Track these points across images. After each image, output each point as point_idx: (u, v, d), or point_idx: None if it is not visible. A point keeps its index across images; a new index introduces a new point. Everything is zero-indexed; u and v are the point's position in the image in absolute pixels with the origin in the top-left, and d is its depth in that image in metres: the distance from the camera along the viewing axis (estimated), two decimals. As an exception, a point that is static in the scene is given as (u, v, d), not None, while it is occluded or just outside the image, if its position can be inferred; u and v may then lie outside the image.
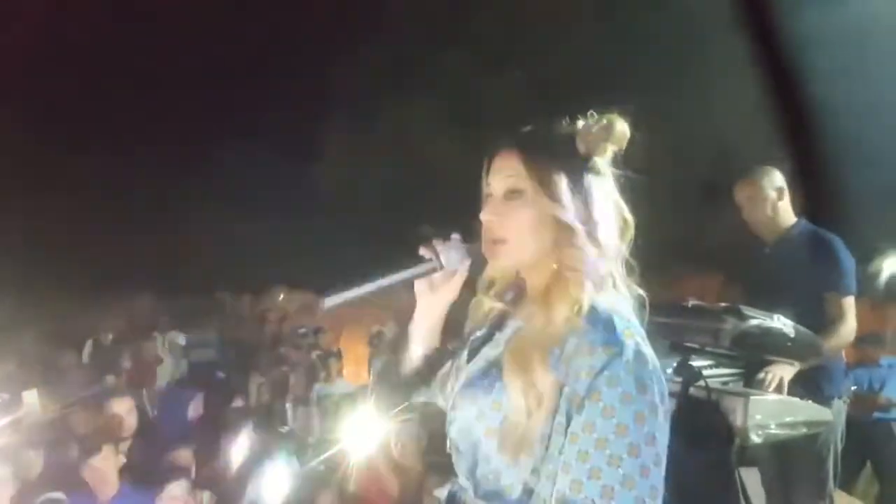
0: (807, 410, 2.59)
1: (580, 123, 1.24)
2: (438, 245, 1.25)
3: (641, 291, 1.21)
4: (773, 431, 2.49)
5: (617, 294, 1.18)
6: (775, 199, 3.08)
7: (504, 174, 1.22)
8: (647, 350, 1.09)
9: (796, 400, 2.61)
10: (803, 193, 3.34)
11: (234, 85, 9.68)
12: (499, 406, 1.13)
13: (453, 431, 1.23)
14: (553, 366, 1.09)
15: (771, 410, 2.49)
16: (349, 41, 8.89)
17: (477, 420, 1.16)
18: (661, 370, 1.09)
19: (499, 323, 1.28)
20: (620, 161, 1.25)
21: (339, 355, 6.89)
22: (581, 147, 1.21)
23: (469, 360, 1.26)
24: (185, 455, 3.74)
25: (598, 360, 1.05)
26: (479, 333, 1.30)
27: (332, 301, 1.22)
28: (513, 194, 1.20)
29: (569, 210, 1.16)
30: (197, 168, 9.59)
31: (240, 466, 3.48)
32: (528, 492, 1.11)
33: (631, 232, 1.23)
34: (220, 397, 5.14)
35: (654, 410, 1.04)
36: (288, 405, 4.59)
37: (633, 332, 1.10)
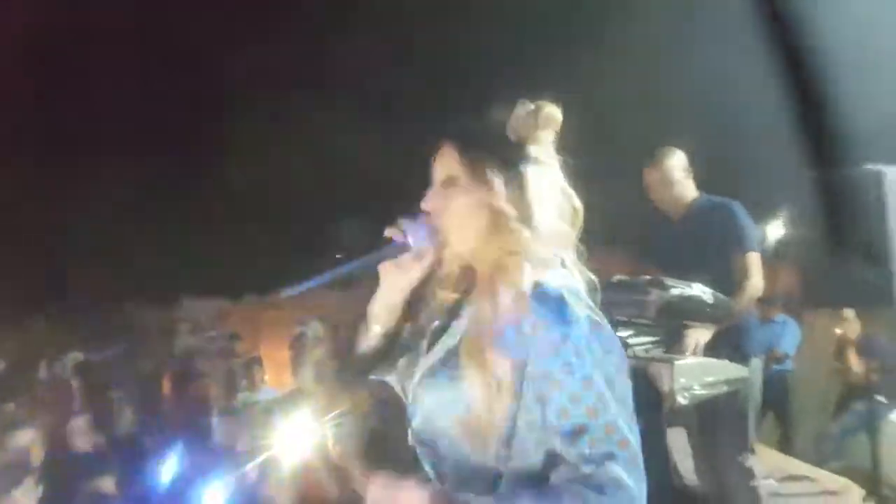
0: (725, 369, 2.76)
1: (511, 111, 1.26)
2: (406, 224, 1.25)
3: (592, 275, 1.25)
4: (697, 392, 2.64)
5: (566, 273, 1.22)
6: (681, 178, 3.28)
7: (441, 164, 1.26)
8: (600, 317, 1.15)
9: (715, 360, 2.78)
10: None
11: (129, 86, 9.19)
12: (461, 395, 1.14)
13: (416, 423, 1.23)
14: (512, 347, 1.11)
15: (693, 373, 2.64)
16: (253, 35, 8.62)
17: (440, 410, 1.18)
18: (610, 328, 1.16)
19: (455, 312, 1.30)
20: (559, 147, 1.28)
21: (259, 362, 6.71)
22: (512, 135, 1.24)
23: (428, 351, 1.27)
24: (107, 483, 3.57)
25: (558, 335, 1.09)
26: (436, 323, 1.32)
27: (296, 289, 1.22)
28: (449, 183, 1.24)
29: (501, 196, 1.19)
30: (91, 174, 9.07)
31: (169, 489, 3.36)
32: (497, 476, 1.13)
33: (580, 218, 1.27)
34: (136, 417, 4.92)
35: (621, 370, 1.12)
36: (214, 419, 4.45)
37: (584, 305, 1.15)
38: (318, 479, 3.47)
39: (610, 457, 1.04)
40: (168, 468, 3.55)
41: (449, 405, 1.16)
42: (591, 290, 1.22)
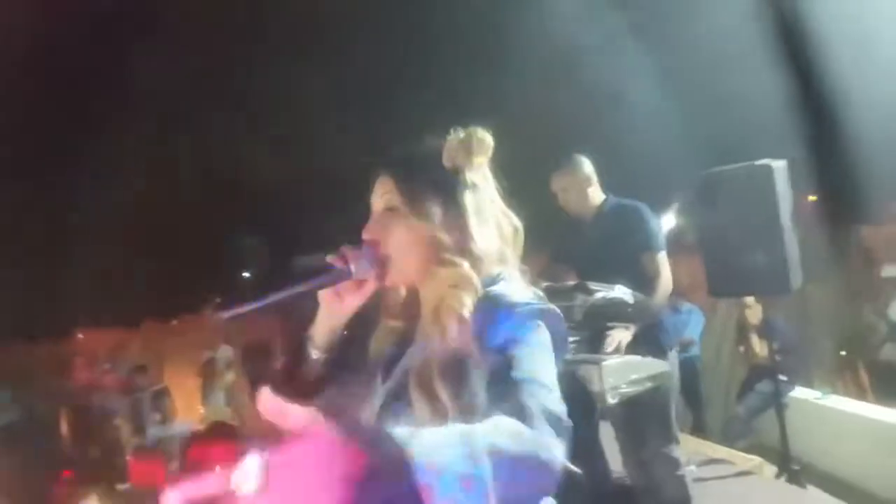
0: (649, 366, 2.85)
1: (444, 139, 1.27)
2: (349, 253, 1.22)
3: (538, 290, 1.24)
4: (624, 391, 2.72)
5: (511, 285, 1.21)
6: (587, 184, 3.35)
7: (379, 193, 1.26)
8: (544, 306, 1.16)
9: (638, 358, 2.86)
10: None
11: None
12: (419, 419, 1.12)
13: None
14: (453, 377, 1.11)
15: (620, 372, 2.71)
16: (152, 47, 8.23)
17: None
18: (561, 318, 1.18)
19: (406, 341, 1.28)
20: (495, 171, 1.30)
21: (167, 393, 6.42)
22: (448, 162, 1.25)
23: (385, 379, 1.25)
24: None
25: (507, 329, 1.10)
26: (390, 350, 1.29)
27: (232, 313, 1.17)
28: (388, 212, 1.24)
29: (438, 226, 1.20)
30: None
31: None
32: None
33: (521, 238, 1.29)
34: (38, 463, 4.59)
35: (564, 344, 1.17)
36: (128, 458, 4.20)
37: (530, 300, 1.15)
38: None
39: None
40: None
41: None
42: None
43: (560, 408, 1.04)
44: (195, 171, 9.66)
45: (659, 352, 3.11)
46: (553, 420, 1.00)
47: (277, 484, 0.80)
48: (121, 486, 4.28)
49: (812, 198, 7.53)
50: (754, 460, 4.55)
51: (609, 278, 2.76)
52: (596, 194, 3.38)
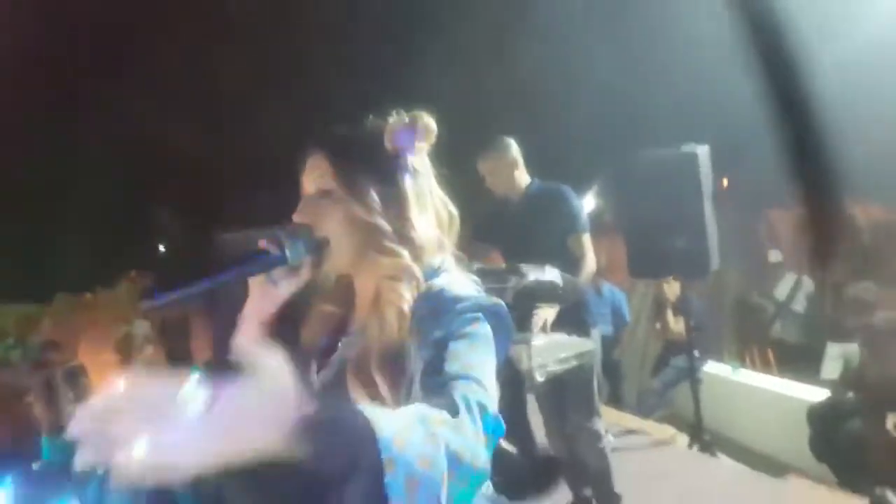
0: (575, 345, 2.96)
1: (386, 121, 1.23)
2: (283, 237, 1.17)
3: (474, 277, 1.23)
4: (551, 369, 2.81)
5: (451, 276, 1.19)
6: (514, 167, 3.39)
7: (313, 175, 1.20)
8: (487, 301, 1.11)
9: (565, 336, 2.96)
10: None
11: None
12: None
13: None
14: (395, 368, 1.08)
15: (548, 351, 2.80)
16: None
17: None
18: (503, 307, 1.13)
19: (340, 328, 1.26)
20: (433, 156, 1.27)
21: (83, 370, 6.16)
22: (389, 145, 1.21)
23: (320, 369, 1.23)
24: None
25: (447, 322, 1.06)
26: (324, 340, 1.27)
27: (162, 300, 1.09)
28: (322, 194, 1.19)
29: (376, 211, 1.16)
30: None
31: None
32: None
33: (457, 225, 1.26)
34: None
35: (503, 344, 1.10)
36: (43, 439, 4.02)
37: (472, 295, 1.12)
38: (168, 489, 3.28)
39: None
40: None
41: None
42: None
43: (493, 405, 0.98)
44: (108, 141, 9.20)
45: (583, 330, 3.22)
46: (485, 417, 0.94)
47: (220, 412, 0.72)
48: (35, 465, 4.09)
49: (725, 181, 7.84)
50: (669, 431, 4.80)
51: (534, 259, 2.82)
52: (522, 177, 3.42)
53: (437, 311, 1.08)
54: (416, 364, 1.07)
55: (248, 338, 1.19)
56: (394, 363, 1.09)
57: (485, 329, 1.06)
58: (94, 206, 9.82)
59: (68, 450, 3.85)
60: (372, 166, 1.18)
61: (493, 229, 3.47)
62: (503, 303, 1.14)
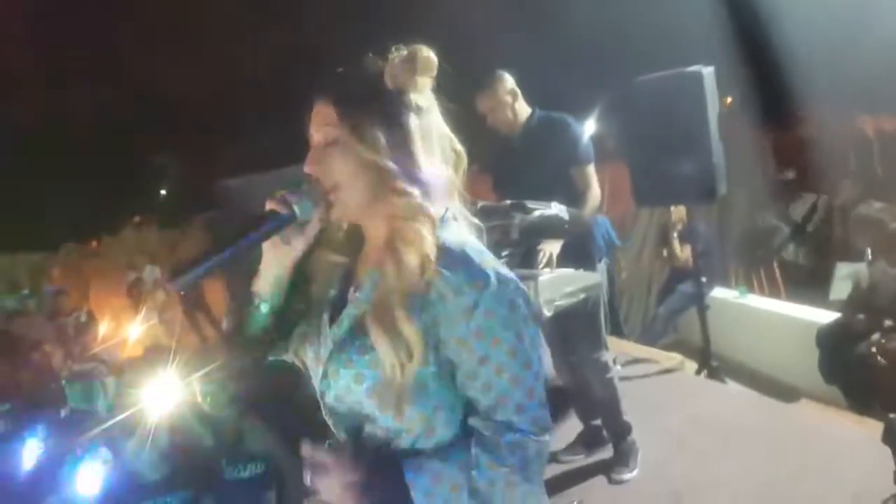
0: (580, 279, 2.94)
1: (385, 59, 1.18)
2: (290, 196, 1.15)
3: (477, 221, 1.23)
4: (559, 303, 2.80)
5: (459, 226, 1.19)
6: (512, 101, 3.30)
7: (319, 123, 1.17)
8: (505, 270, 1.13)
9: (570, 271, 2.94)
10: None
11: None
12: (375, 364, 1.11)
13: (330, 398, 1.20)
14: (416, 315, 1.09)
15: (554, 286, 2.79)
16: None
17: (356, 382, 1.14)
18: (517, 281, 1.14)
19: (349, 279, 1.25)
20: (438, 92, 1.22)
21: (93, 317, 6.23)
22: (389, 82, 1.17)
23: (331, 324, 1.21)
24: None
25: (469, 299, 1.07)
26: (333, 292, 1.26)
27: (183, 281, 1.10)
28: (330, 143, 1.16)
29: (384, 152, 1.13)
30: None
31: (33, 471, 3.09)
32: (416, 439, 1.13)
33: (463, 163, 1.23)
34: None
35: (526, 321, 1.11)
36: (63, 384, 4.09)
37: (489, 259, 1.13)
38: (192, 432, 3.34)
39: (530, 423, 1.09)
40: (27, 450, 3.23)
41: (365, 376, 1.14)
42: (479, 235, 1.21)
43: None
44: (108, 86, 9.03)
45: (590, 263, 3.21)
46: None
47: None
48: (63, 412, 4.17)
49: (728, 100, 7.69)
50: (676, 358, 4.83)
51: (538, 192, 2.78)
52: (522, 109, 3.34)
53: (456, 289, 1.07)
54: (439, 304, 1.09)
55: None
56: (419, 306, 1.09)
57: (503, 316, 1.09)
58: (94, 152, 9.74)
59: (89, 395, 3.94)
60: (376, 107, 1.14)
61: (497, 164, 3.41)
62: (509, 273, 1.13)
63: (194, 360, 3.46)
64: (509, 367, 1.09)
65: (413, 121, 1.16)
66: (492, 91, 3.29)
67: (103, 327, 6.32)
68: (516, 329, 1.09)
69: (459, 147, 1.23)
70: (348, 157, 1.14)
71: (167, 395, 3.37)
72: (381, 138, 1.13)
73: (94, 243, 10.16)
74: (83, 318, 6.47)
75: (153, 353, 4.16)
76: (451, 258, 1.10)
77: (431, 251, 1.10)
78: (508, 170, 3.33)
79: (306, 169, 1.18)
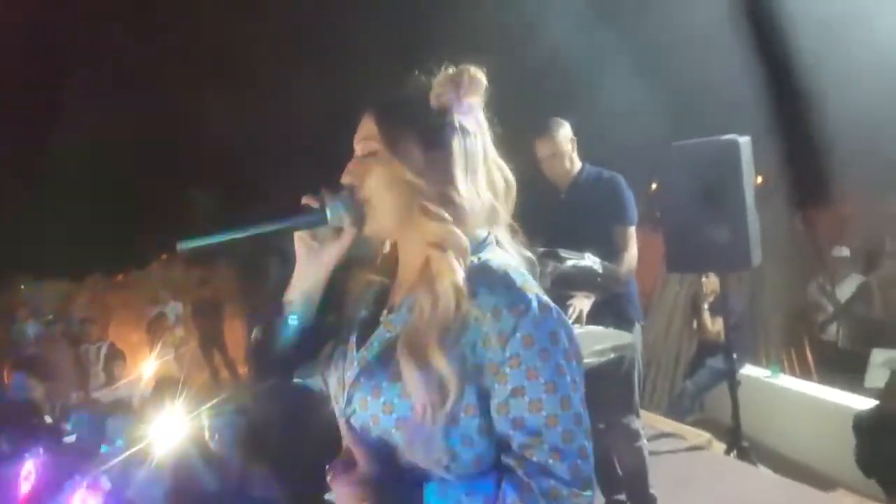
0: (612, 337, 2.83)
1: (432, 77, 1.15)
2: (326, 196, 1.12)
3: (529, 254, 1.16)
4: (588, 361, 2.68)
5: (504, 251, 1.13)
6: (570, 151, 3.27)
7: (361, 135, 1.15)
8: (547, 298, 1.06)
9: (602, 328, 2.84)
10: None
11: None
12: (407, 393, 1.04)
13: (356, 427, 1.11)
14: (452, 347, 1.02)
15: (584, 342, 2.66)
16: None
17: (384, 412, 1.07)
18: (560, 311, 1.07)
19: (383, 300, 1.19)
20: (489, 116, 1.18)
21: (115, 348, 6.23)
22: (434, 101, 1.13)
23: (359, 346, 1.14)
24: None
25: (508, 324, 1.00)
26: (363, 314, 1.19)
27: (194, 244, 1.07)
28: (368, 155, 1.14)
29: (418, 171, 1.09)
30: None
31: (29, 494, 3.01)
32: (440, 479, 1.04)
33: (513, 193, 1.18)
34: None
35: (567, 356, 1.03)
36: (72, 411, 4.05)
37: (531, 285, 1.06)
38: (195, 470, 3.25)
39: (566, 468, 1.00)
40: (24, 471, 3.17)
41: (396, 405, 1.06)
42: (530, 269, 1.14)
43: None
44: (144, 123, 9.27)
45: (626, 323, 3.10)
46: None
47: None
48: (68, 439, 4.11)
49: (759, 179, 7.66)
50: (704, 436, 4.62)
51: (577, 246, 2.71)
52: (576, 160, 3.31)
53: (495, 313, 1.01)
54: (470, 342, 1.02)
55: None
56: (455, 336, 1.02)
57: (541, 347, 1.01)
58: (127, 186, 9.93)
59: (92, 425, 3.87)
60: (417, 125, 1.11)
61: (539, 213, 3.34)
62: (553, 304, 1.06)
63: (203, 394, 3.40)
64: (546, 405, 1.00)
65: (456, 142, 1.11)
66: (553, 138, 3.25)
67: (123, 361, 6.30)
68: (556, 363, 1.01)
69: (511, 177, 1.18)
70: (382, 171, 1.11)
71: (174, 430, 3.30)
72: (418, 157, 1.10)
73: (120, 276, 10.27)
74: (104, 350, 6.46)
75: (163, 387, 4.10)
76: (492, 279, 1.04)
77: (462, 281, 1.04)
78: (549, 219, 3.26)
79: (342, 179, 1.16)
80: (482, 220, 1.13)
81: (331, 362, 1.20)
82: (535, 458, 1.00)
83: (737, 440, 4.21)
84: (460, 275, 1.04)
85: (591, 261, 2.56)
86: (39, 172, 9.18)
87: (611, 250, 3.10)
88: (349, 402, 1.12)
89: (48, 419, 3.98)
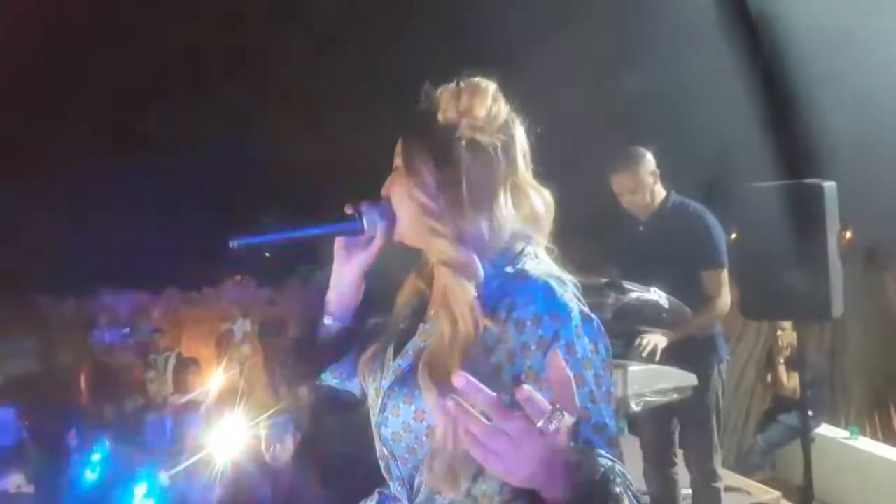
0: (675, 377, 2.75)
1: (440, 91, 1.13)
2: (364, 205, 1.14)
3: (573, 278, 1.10)
4: (648, 399, 2.61)
5: (542, 262, 1.10)
6: (653, 183, 3.06)
7: (396, 150, 1.17)
8: (587, 309, 1.05)
9: (665, 367, 2.75)
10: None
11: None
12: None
13: (387, 434, 1.10)
14: (479, 361, 1.00)
15: (646, 379, 2.61)
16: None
17: (416, 420, 1.06)
18: (599, 322, 1.05)
19: (422, 311, 1.18)
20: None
21: (183, 359, 6.42)
22: (441, 117, 1.10)
23: (396, 354, 1.14)
24: (15, 480, 3.34)
25: (548, 330, 0.99)
26: (405, 323, 1.19)
27: (243, 242, 1.12)
28: (396, 169, 1.16)
29: (427, 188, 1.08)
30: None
31: (95, 488, 3.14)
32: (468, 492, 1.03)
33: (550, 214, 1.14)
34: (51, 413, 4.60)
35: (606, 366, 1.01)
36: (146, 416, 4.22)
37: (572, 293, 1.05)
38: (249, 480, 3.31)
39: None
40: (94, 467, 3.31)
41: (423, 415, 1.06)
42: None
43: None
44: (229, 144, 9.67)
45: (704, 368, 2.96)
46: None
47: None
48: (138, 439, 4.27)
49: (848, 234, 7.31)
50: (772, 493, 4.39)
51: (657, 284, 2.62)
52: (659, 190, 3.09)
53: (536, 319, 0.99)
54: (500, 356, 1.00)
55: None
56: (481, 356, 1.01)
57: (584, 352, 0.99)
58: (210, 209, 10.34)
59: (160, 427, 4.00)
60: (426, 141, 1.10)
61: (620, 245, 3.22)
62: (591, 314, 1.05)
63: (262, 408, 3.48)
64: (591, 412, 0.97)
65: (467, 158, 1.08)
66: (634, 171, 3.03)
67: (191, 371, 6.48)
68: (596, 372, 0.99)
69: (548, 196, 1.15)
70: (401, 187, 1.12)
71: (234, 439, 3.38)
72: (428, 174, 1.09)
73: (194, 292, 10.64)
74: (172, 361, 6.67)
75: (227, 399, 4.22)
76: (532, 286, 1.02)
77: (474, 300, 1.03)
78: (624, 250, 3.16)
79: (382, 190, 1.18)
80: (504, 242, 1.10)
81: (371, 370, 1.20)
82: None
83: (807, 500, 3.97)
84: (472, 294, 1.03)
85: (656, 295, 2.50)
86: (129, 190, 9.67)
87: (694, 293, 2.93)
88: (383, 409, 1.12)
89: (116, 419, 4.15)
